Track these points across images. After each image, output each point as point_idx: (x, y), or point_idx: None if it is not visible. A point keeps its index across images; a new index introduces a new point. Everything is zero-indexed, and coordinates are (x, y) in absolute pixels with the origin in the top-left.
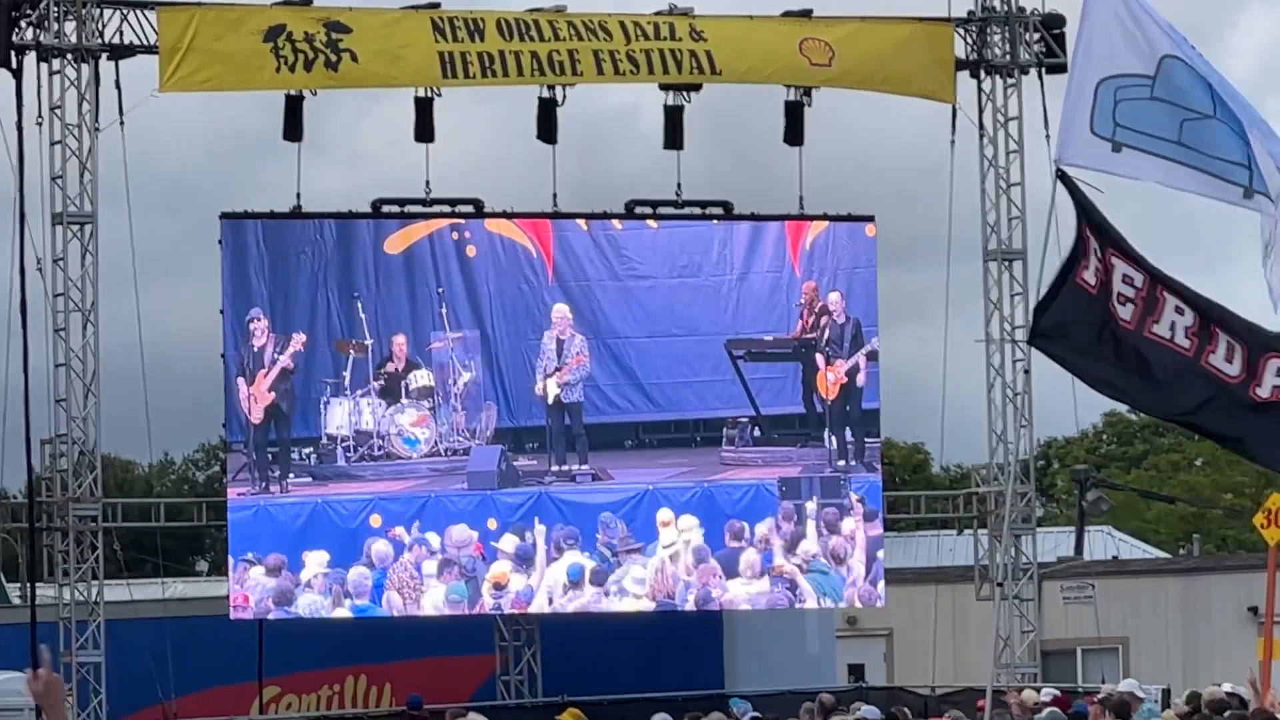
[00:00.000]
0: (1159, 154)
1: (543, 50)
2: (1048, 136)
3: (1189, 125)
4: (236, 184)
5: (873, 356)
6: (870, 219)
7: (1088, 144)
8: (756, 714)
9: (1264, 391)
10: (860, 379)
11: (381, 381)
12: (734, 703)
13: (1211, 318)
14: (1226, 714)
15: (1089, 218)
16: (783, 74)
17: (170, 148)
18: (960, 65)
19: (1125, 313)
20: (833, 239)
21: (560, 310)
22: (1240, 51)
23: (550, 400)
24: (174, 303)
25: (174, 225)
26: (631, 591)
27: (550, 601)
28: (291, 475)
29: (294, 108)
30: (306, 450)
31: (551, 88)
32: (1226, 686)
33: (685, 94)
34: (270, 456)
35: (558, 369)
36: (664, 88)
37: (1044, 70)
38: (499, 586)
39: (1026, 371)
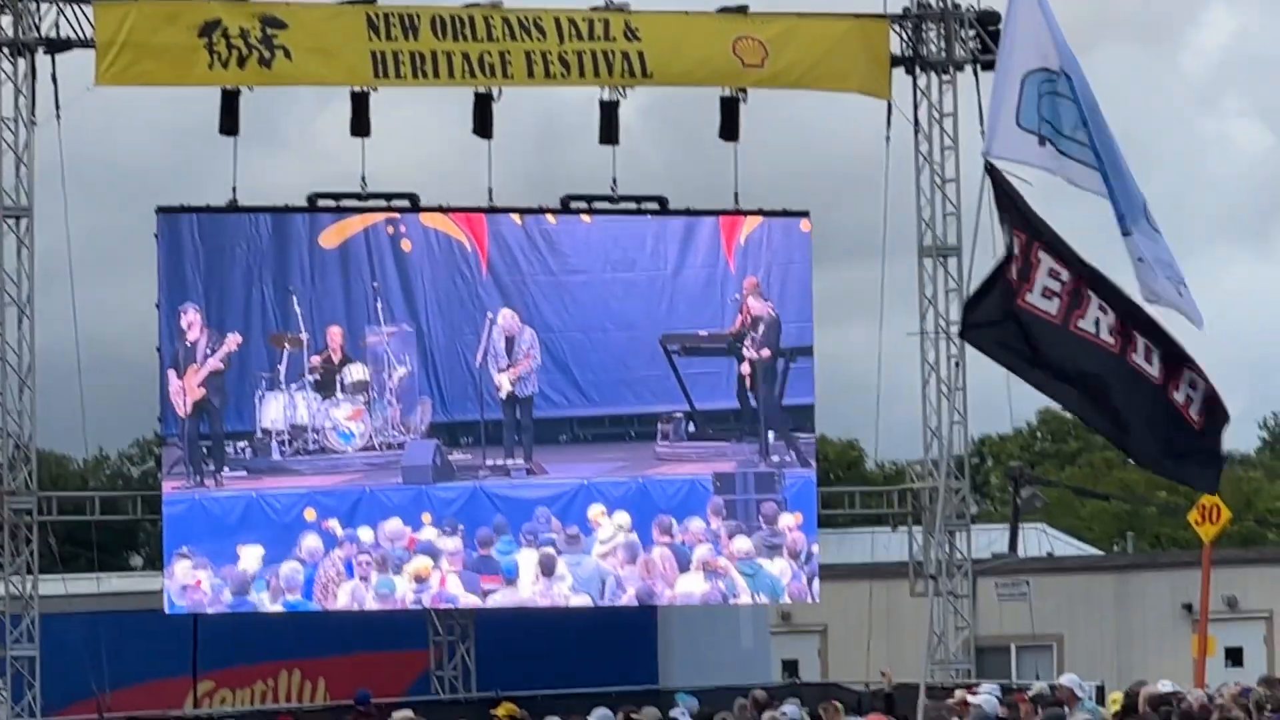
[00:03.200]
0: (1071, 155)
1: (475, 51)
2: (982, 133)
3: (1086, 130)
4: (176, 177)
5: (805, 352)
6: (805, 215)
7: (1014, 137)
8: (693, 709)
9: (1179, 397)
10: (781, 374)
11: (316, 375)
12: (680, 698)
13: (1132, 320)
14: (1162, 710)
15: (1015, 211)
16: (715, 75)
17: (110, 141)
18: (896, 62)
19: (1051, 307)
20: (768, 235)
21: (506, 311)
22: (1201, 48)
23: (504, 395)
24: (112, 297)
25: (113, 219)
26: (567, 586)
27: (484, 597)
28: (226, 469)
29: (230, 102)
30: (241, 444)
31: (486, 86)
32: (1166, 685)
33: (621, 89)
34: (204, 450)
35: (510, 365)
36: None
37: (979, 67)
38: (421, 580)
39: (958, 364)
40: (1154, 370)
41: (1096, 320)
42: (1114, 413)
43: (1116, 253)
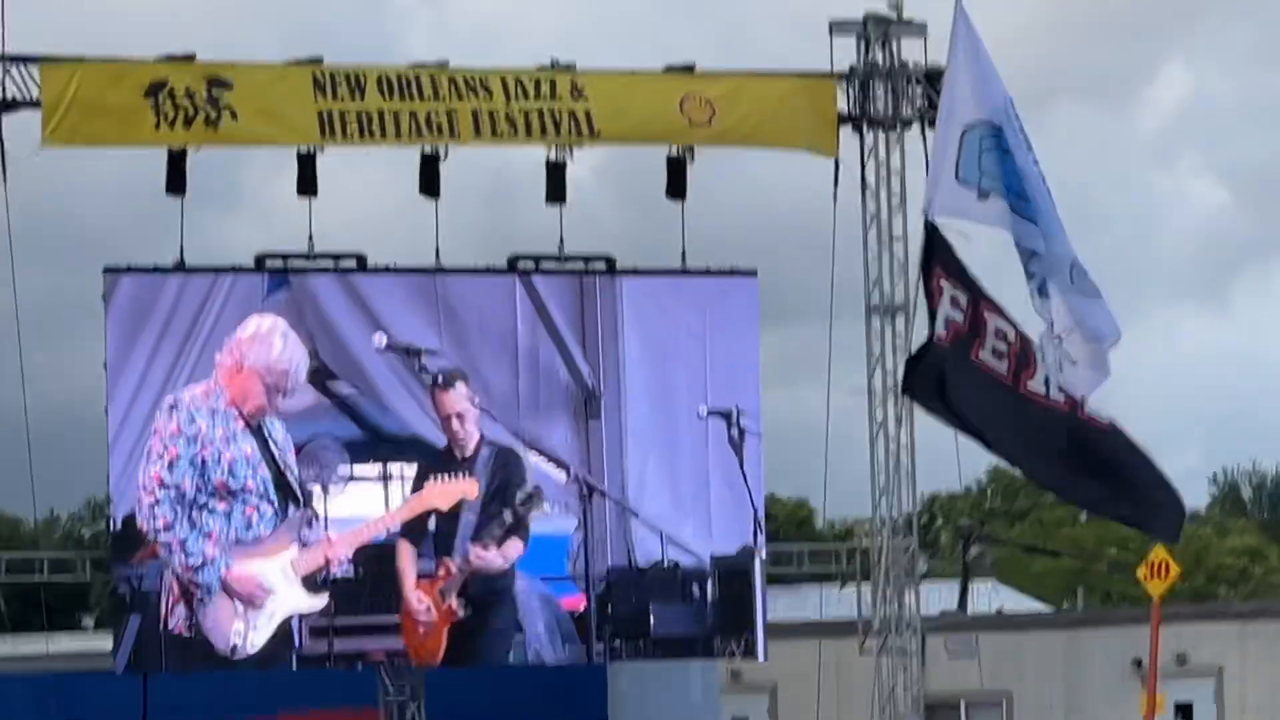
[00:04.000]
0: (1010, 205)
1: (421, 110)
2: None
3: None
4: (126, 238)
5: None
6: (753, 273)
7: (953, 193)
8: None
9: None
10: None
11: None
12: None
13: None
14: None
15: (957, 272)
16: (663, 133)
17: (59, 202)
18: (843, 120)
19: (1001, 367)
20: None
21: None
22: (1158, 105)
23: None
24: (63, 358)
25: (66, 279)
26: None
27: None
28: None
29: (176, 162)
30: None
31: (433, 145)
32: None
33: (569, 149)
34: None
35: None
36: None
37: (926, 123)
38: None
39: (899, 420)
40: (1103, 418)
41: (1045, 379)
42: (1064, 468)
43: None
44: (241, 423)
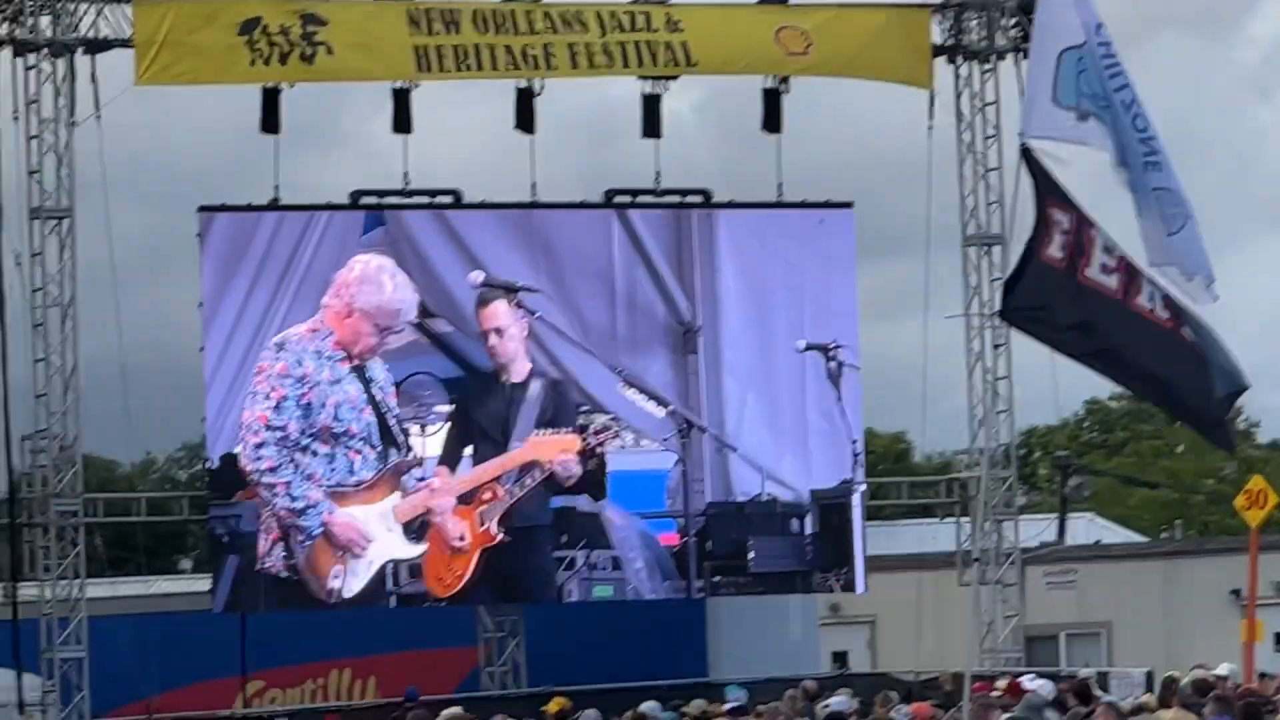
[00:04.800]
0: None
1: (517, 44)
2: None
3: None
4: (221, 177)
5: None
6: (849, 205)
7: (1050, 115)
8: (742, 700)
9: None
10: None
11: None
12: (730, 690)
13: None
14: (1211, 695)
15: (1054, 193)
16: (759, 64)
17: (153, 141)
18: (937, 51)
19: (1111, 282)
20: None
21: None
22: (1257, 38)
23: None
24: (156, 297)
25: (160, 219)
26: None
27: None
28: None
29: (271, 100)
30: None
31: (528, 79)
32: (1224, 668)
33: (664, 81)
34: None
35: None
36: (641, 78)
37: (1020, 55)
38: None
39: (996, 346)
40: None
41: (1151, 295)
42: (1163, 384)
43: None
44: (347, 365)
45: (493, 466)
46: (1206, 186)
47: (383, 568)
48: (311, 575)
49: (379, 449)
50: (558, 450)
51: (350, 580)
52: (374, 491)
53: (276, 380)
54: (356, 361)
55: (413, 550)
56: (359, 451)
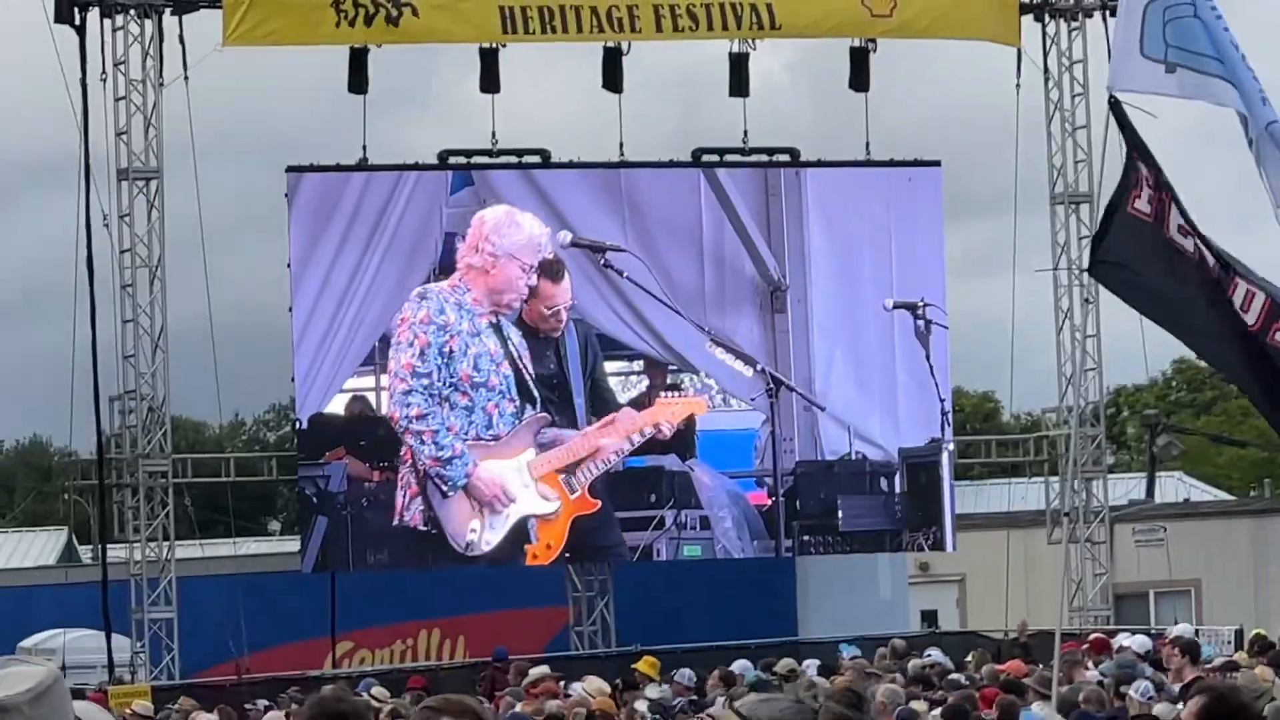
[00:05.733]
0: (1209, 72)
1: (603, 5)
2: None
3: (1225, 50)
4: (309, 137)
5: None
6: (937, 164)
7: (1140, 67)
8: (857, 652)
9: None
10: None
11: None
12: (843, 648)
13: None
14: None
15: (1139, 149)
16: (844, 27)
17: (241, 102)
18: (1024, 9)
19: (1188, 245)
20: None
21: None
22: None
23: None
24: (245, 258)
25: (249, 180)
26: None
27: None
28: None
29: (358, 60)
30: None
31: (615, 40)
32: None
33: (751, 42)
34: None
35: None
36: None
37: (1108, 13)
38: None
39: (1087, 301)
40: (1251, 319)
41: (1219, 279)
42: (1235, 355)
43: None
44: (486, 320)
45: (619, 428)
46: None
47: (520, 522)
48: (451, 527)
49: (516, 403)
50: (686, 411)
51: (487, 534)
52: (512, 446)
53: (419, 327)
54: (494, 318)
55: (548, 507)
56: (496, 405)
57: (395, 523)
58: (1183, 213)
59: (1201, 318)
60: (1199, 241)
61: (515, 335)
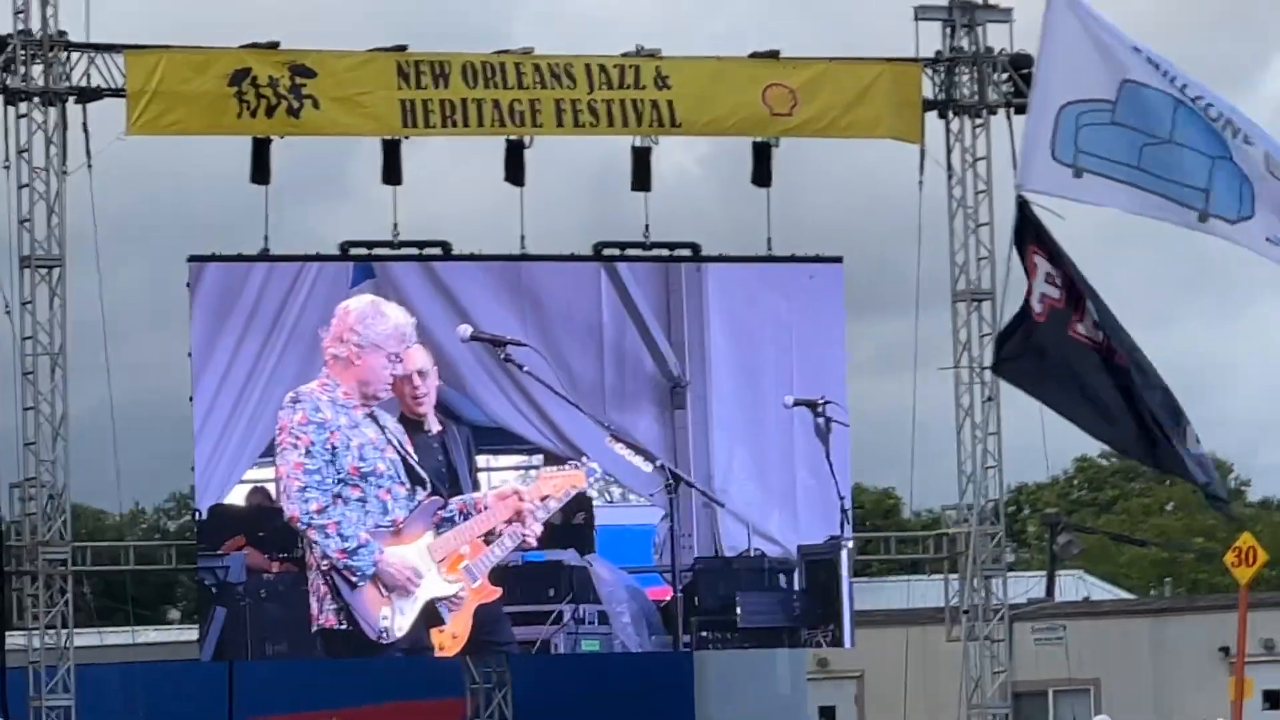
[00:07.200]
0: (1118, 179)
1: (505, 99)
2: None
3: (1148, 150)
4: (212, 226)
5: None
6: (838, 260)
7: (1048, 170)
8: None
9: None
10: None
11: None
12: None
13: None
14: None
15: (1045, 246)
16: (744, 125)
17: (144, 191)
18: (928, 106)
19: (1099, 336)
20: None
21: None
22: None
23: None
24: (147, 347)
25: (151, 269)
26: None
27: None
28: None
29: (261, 150)
30: None
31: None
32: None
33: (653, 137)
34: None
35: None
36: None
37: (1012, 110)
38: None
39: (988, 399)
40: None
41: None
42: (1149, 437)
43: None
44: (360, 411)
45: (504, 508)
46: (1216, 243)
47: (429, 604)
48: (364, 618)
49: (407, 485)
50: (566, 484)
51: (398, 619)
52: (410, 531)
53: (300, 429)
54: (367, 408)
55: (451, 588)
56: (389, 491)
57: (313, 628)
58: (1098, 308)
59: (1106, 401)
60: (1107, 334)
61: (390, 422)
